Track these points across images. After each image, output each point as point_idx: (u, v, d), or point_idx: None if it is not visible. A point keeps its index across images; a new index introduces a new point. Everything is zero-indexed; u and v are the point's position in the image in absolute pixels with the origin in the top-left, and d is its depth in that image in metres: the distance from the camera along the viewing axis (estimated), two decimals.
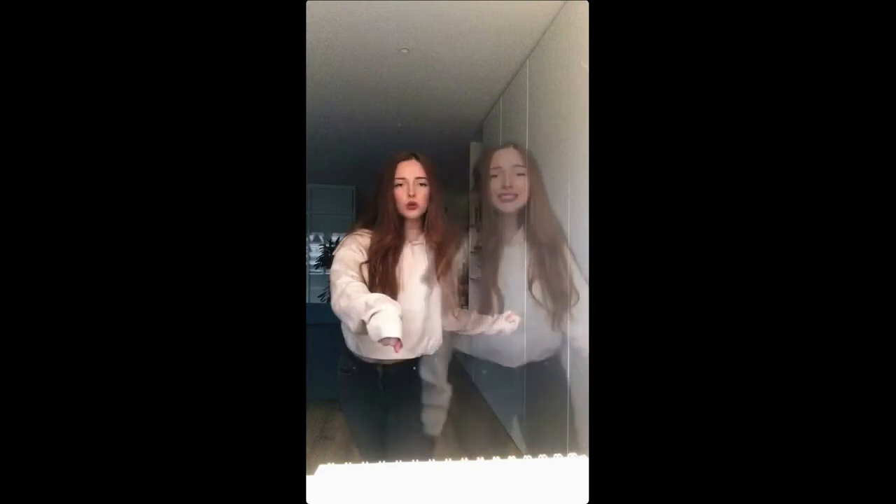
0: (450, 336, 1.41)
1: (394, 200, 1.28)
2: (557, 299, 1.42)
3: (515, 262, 1.50)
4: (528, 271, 1.46)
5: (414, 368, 1.32)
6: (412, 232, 1.32)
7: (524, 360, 1.54)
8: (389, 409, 1.33)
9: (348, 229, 1.35)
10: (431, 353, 1.34)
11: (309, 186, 5.52)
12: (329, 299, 1.21)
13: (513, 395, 1.72)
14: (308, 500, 0.62)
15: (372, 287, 1.21)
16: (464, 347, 1.51)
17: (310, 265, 5.93)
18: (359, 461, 0.75)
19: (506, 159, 1.48)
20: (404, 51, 2.30)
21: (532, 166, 1.49)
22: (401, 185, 1.28)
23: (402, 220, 1.30)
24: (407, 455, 0.92)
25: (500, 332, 1.39)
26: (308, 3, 0.65)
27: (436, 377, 1.35)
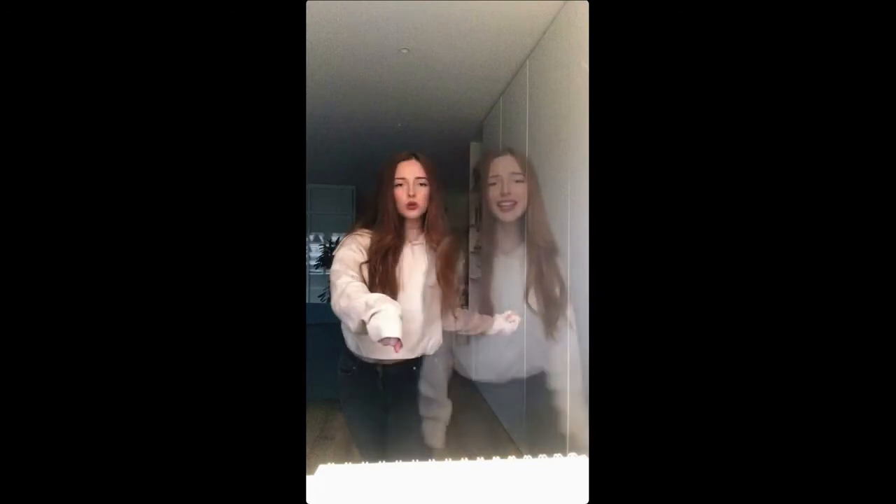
0: (450, 350, 1.41)
1: (394, 200, 1.28)
2: (551, 306, 1.42)
3: (514, 269, 1.50)
4: (525, 278, 1.46)
5: (414, 368, 1.32)
6: (412, 232, 1.32)
7: (520, 373, 1.54)
8: (389, 409, 1.33)
9: (348, 229, 1.35)
10: (431, 353, 1.34)
11: (309, 186, 5.52)
12: (329, 299, 1.21)
13: (513, 395, 1.72)
14: (308, 500, 0.62)
15: (372, 287, 1.21)
16: (462, 370, 1.51)
17: (310, 265, 5.93)
18: (359, 461, 0.75)
19: (503, 167, 1.49)
20: (404, 51, 2.30)
21: (530, 172, 1.49)
22: (401, 185, 1.28)
23: (402, 220, 1.30)
24: (407, 455, 0.92)
25: (499, 332, 1.39)
26: (308, 3, 0.65)
27: (435, 391, 1.35)
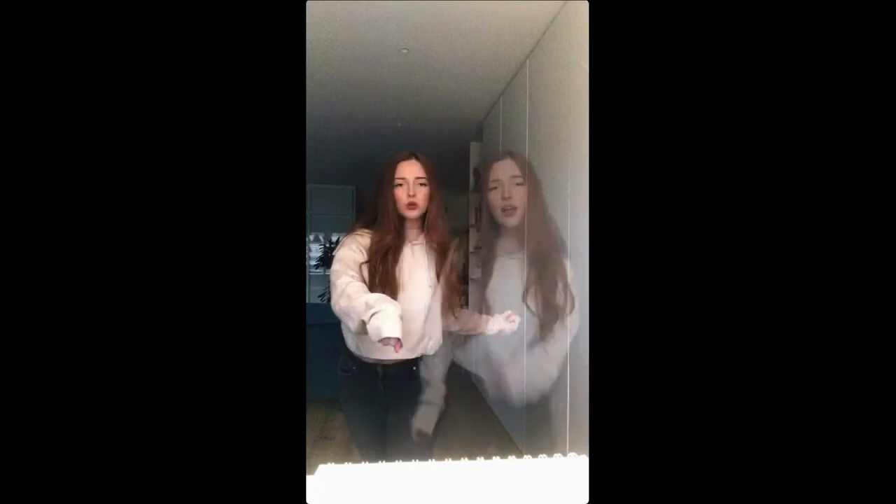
0: (451, 343, 1.41)
1: (394, 200, 1.28)
2: (549, 309, 1.42)
3: (514, 269, 1.50)
4: (525, 280, 1.47)
5: (414, 368, 1.32)
6: (412, 232, 1.32)
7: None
8: (389, 409, 1.33)
9: (348, 229, 1.35)
10: (431, 353, 1.34)
11: (309, 186, 5.53)
12: (329, 299, 1.21)
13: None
14: (308, 500, 0.62)
15: (372, 287, 1.21)
16: (462, 362, 1.52)
17: (310, 265, 5.93)
18: (359, 461, 0.75)
19: (504, 171, 1.49)
20: (404, 51, 2.30)
21: (530, 175, 1.49)
22: (401, 185, 1.28)
23: (402, 220, 1.30)
24: (407, 455, 0.92)
25: (499, 332, 1.39)
26: (308, 3, 0.65)
27: (430, 374, 1.35)
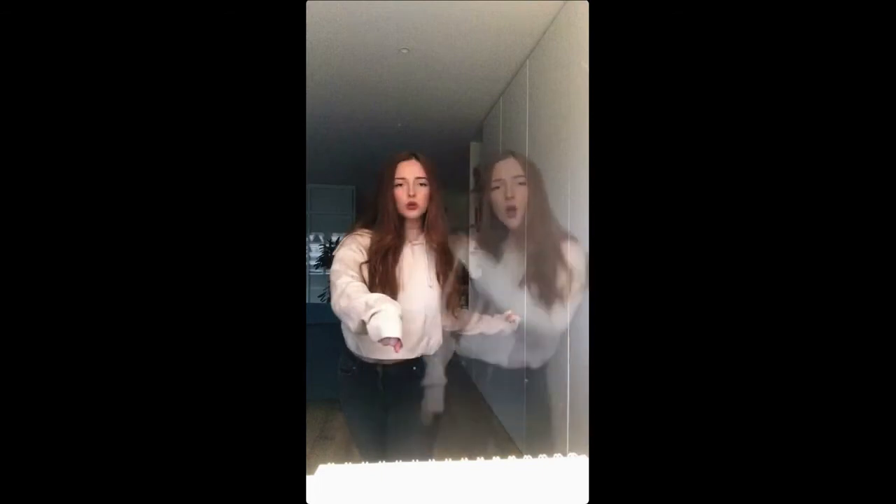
0: (451, 337, 1.41)
1: (394, 200, 1.28)
2: (550, 293, 1.42)
3: (515, 271, 1.50)
4: (525, 272, 1.47)
5: (414, 368, 1.32)
6: (412, 232, 1.32)
7: (521, 362, 1.54)
8: (389, 409, 1.33)
9: (348, 229, 1.35)
10: (432, 353, 1.34)
11: (309, 186, 5.53)
12: (329, 299, 1.21)
13: (513, 394, 1.72)
14: (308, 500, 0.62)
15: (372, 287, 1.21)
16: (464, 352, 1.51)
17: (310, 265, 5.94)
18: (359, 461, 0.75)
19: (506, 170, 1.49)
20: (404, 51, 2.30)
21: (532, 174, 1.49)
22: (401, 185, 1.28)
23: (402, 220, 1.30)
24: (407, 455, 0.92)
25: (499, 331, 1.39)
26: (308, 3, 0.65)
27: (431, 361, 1.36)
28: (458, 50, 2.28)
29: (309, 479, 0.67)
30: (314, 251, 6.09)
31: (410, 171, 1.29)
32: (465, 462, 0.76)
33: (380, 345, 1.03)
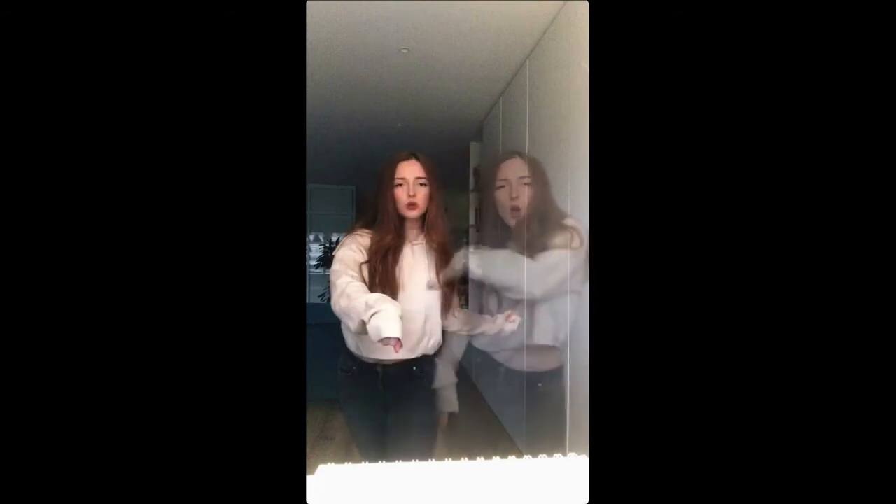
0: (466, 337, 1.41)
1: (394, 200, 1.28)
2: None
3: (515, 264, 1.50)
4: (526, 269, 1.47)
5: (414, 368, 1.32)
6: (412, 232, 1.32)
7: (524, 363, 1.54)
8: (389, 409, 1.33)
9: (348, 229, 1.35)
10: (432, 353, 1.34)
11: (309, 186, 5.53)
12: (329, 299, 1.21)
13: (513, 394, 1.72)
14: (308, 500, 0.62)
15: (372, 287, 1.21)
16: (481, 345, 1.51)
17: (310, 265, 5.93)
18: (359, 461, 0.75)
19: (512, 170, 1.49)
20: (404, 51, 2.30)
21: (537, 174, 1.49)
22: (401, 185, 1.28)
23: (402, 220, 1.30)
24: (407, 455, 0.92)
25: (499, 332, 1.39)
26: (308, 3, 0.65)
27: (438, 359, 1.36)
28: (458, 50, 2.28)
29: (309, 479, 0.67)
30: (314, 251, 6.08)
31: (410, 171, 1.29)
32: (465, 462, 0.76)
33: (380, 345, 1.03)
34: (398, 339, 1.01)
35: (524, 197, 1.45)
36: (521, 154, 1.56)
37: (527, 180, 1.46)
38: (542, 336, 1.47)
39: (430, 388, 1.35)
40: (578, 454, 0.76)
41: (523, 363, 1.51)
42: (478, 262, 1.43)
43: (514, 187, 1.45)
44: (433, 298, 1.31)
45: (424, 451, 1.31)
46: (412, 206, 1.28)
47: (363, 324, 1.05)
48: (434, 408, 1.39)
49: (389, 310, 1.03)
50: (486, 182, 1.58)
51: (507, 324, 1.38)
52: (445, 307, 1.34)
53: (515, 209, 1.46)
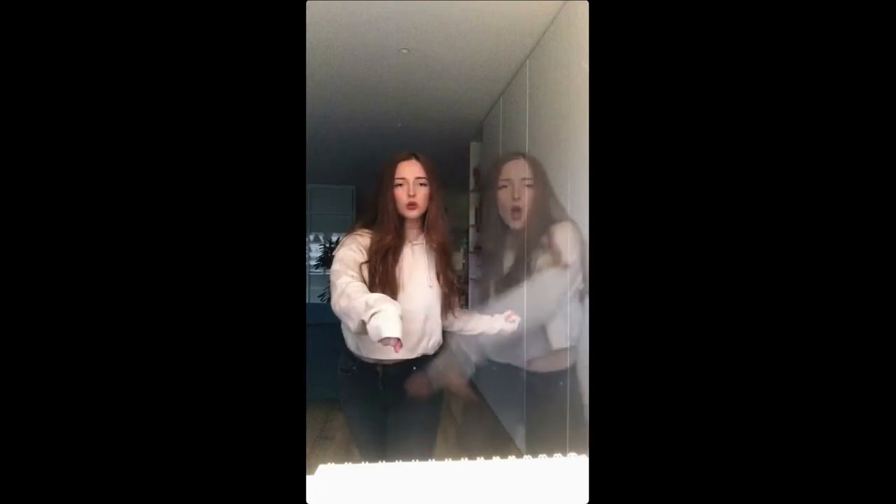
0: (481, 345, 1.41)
1: (394, 200, 1.28)
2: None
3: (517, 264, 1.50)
4: (527, 266, 1.47)
5: (414, 368, 1.32)
6: (412, 232, 1.32)
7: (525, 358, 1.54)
8: (389, 409, 1.33)
9: (348, 229, 1.35)
10: (432, 353, 1.34)
11: (309, 186, 5.53)
12: (329, 299, 1.21)
13: (513, 395, 1.72)
14: (308, 500, 0.62)
15: (372, 287, 1.21)
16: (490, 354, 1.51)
17: (310, 265, 5.93)
18: (359, 461, 0.75)
19: (515, 171, 1.49)
20: (404, 51, 2.30)
21: (539, 176, 1.49)
22: (401, 185, 1.28)
23: (402, 220, 1.30)
24: (407, 455, 0.92)
25: (500, 331, 1.39)
26: (308, 3, 0.65)
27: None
28: (458, 50, 2.28)
29: (309, 479, 0.67)
30: (314, 251, 6.09)
31: (410, 171, 1.29)
32: (465, 462, 0.76)
33: (380, 345, 1.03)
34: (398, 339, 1.01)
35: (526, 199, 1.45)
36: (524, 155, 1.57)
37: (529, 182, 1.47)
38: (559, 340, 1.48)
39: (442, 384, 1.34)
40: (578, 454, 0.76)
41: (546, 366, 1.51)
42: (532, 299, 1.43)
43: (516, 188, 1.46)
44: (433, 298, 1.31)
45: (424, 451, 1.31)
46: (412, 206, 1.28)
47: (363, 324, 1.05)
48: (438, 407, 1.38)
49: (389, 310, 1.03)
50: (487, 182, 1.58)
51: (506, 324, 1.38)
52: (445, 307, 1.34)
53: (516, 210, 1.46)
